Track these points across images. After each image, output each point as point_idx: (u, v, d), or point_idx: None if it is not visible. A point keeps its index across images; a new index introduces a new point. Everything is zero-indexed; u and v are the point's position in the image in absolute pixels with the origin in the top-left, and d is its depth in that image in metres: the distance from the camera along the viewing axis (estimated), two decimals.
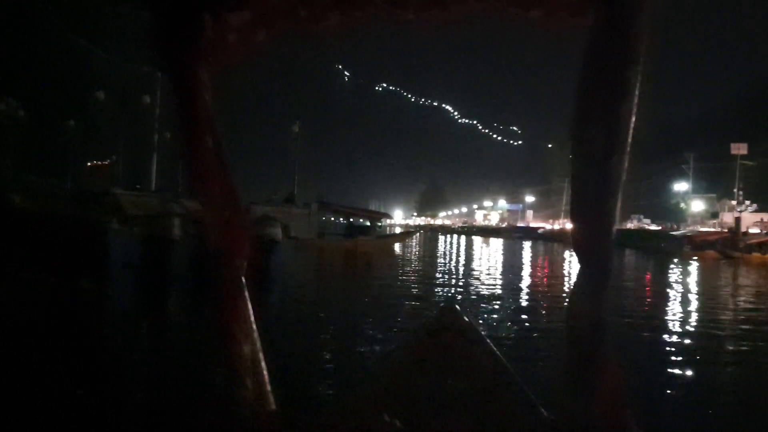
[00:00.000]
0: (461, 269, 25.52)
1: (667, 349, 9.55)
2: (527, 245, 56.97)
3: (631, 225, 71.17)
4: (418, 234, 64.32)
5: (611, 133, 1.26)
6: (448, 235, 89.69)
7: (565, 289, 17.83)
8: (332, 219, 40.08)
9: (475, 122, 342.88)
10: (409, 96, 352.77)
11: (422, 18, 1.38)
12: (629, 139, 1.27)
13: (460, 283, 18.66)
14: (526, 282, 21.28)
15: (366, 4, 1.38)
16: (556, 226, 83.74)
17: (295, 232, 25.30)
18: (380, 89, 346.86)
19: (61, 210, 14.40)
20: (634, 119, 1.26)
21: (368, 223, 38.81)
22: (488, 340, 2.20)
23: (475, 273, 23.38)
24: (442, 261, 31.09)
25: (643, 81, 1.26)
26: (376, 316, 11.51)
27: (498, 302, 14.32)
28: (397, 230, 74.49)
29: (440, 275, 21.81)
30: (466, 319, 2.21)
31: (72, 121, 34.07)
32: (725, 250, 40.75)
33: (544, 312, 13.10)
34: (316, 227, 31.79)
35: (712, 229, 52.32)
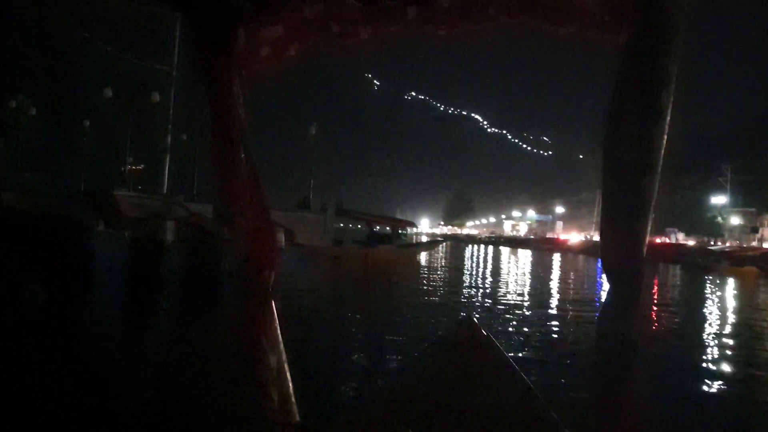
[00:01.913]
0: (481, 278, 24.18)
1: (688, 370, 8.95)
2: (557, 257, 55.05)
3: (666, 239, 68.71)
4: (444, 244, 61.99)
5: (644, 153, 1.31)
6: (475, 246, 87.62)
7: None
8: (359, 226, 39.10)
9: (504, 131, 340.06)
10: (438, 105, 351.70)
11: (453, 34, 1.45)
12: (661, 160, 1.28)
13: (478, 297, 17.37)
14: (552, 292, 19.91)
15: (397, 20, 1.43)
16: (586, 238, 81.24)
17: (304, 239, 24.11)
18: (409, 98, 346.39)
19: (47, 209, 13.60)
20: (665, 139, 1.23)
21: (391, 232, 37.25)
22: (507, 355, 2.13)
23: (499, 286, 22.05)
24: (464, 274, 29.75)
25: (676, 99, 1.24)
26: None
27: (521, 315, 13.34)
28: (424, 239, 72.92)
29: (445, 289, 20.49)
30: (484, 333, 2.18)
31: (87, 121, 33.74)
32: (766, 266, 38.67)
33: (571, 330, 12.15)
34: (332, 234, 30.48)
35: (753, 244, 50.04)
